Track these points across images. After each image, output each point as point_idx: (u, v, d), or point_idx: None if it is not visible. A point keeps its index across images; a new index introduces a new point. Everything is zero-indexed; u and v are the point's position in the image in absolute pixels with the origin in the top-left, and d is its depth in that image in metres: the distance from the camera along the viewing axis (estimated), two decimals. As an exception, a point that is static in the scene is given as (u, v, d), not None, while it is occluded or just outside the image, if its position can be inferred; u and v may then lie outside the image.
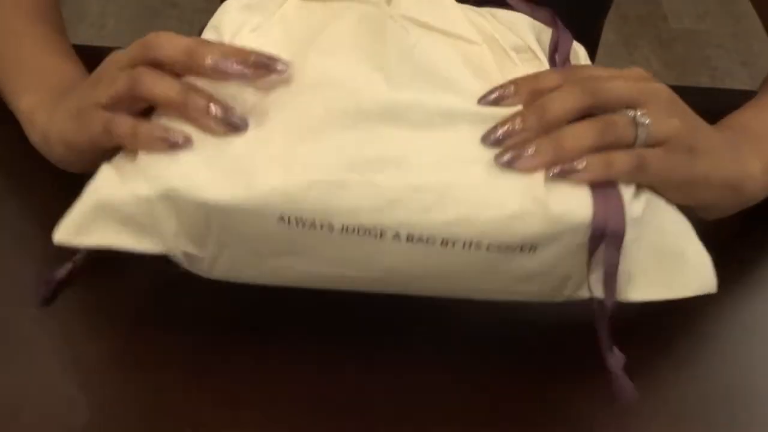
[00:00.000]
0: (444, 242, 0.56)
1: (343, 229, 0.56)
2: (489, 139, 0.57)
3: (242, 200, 0.55)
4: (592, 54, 0.87)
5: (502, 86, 0.59)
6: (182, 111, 0.57)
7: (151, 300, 0.63)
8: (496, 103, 0.58)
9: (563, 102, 0.58)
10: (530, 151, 0.56)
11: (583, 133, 0.58)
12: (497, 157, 0.56)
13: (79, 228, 0.58)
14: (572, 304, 0.60)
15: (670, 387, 0.61)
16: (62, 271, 0.63)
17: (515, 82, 0.59)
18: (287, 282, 0.60)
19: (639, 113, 0.59)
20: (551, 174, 0.56)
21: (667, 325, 0.65)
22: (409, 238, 0.56)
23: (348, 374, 0.60)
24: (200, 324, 0.62)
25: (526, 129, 0.57)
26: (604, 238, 0.56)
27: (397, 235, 0.56)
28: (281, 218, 0.55)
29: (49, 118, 0.66)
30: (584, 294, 0.59)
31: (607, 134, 0.58)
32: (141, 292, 0.63)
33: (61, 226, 0.59)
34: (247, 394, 0.58)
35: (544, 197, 0.56)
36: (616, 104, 0.59)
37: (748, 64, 2.42)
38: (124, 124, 0.59)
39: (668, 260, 0.59)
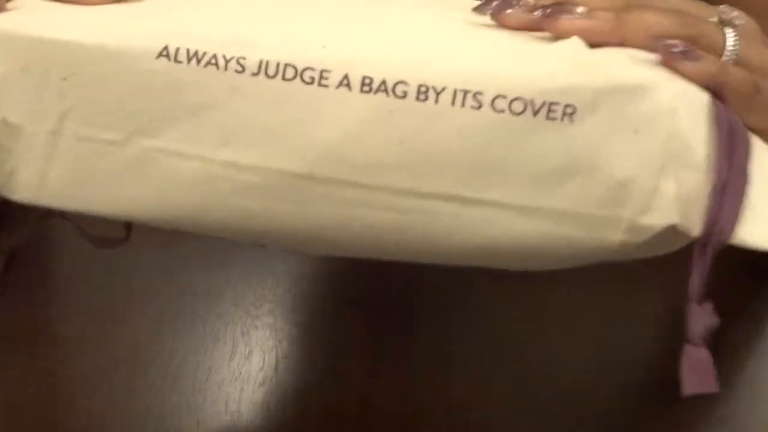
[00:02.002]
0: (422, 92, 0.35)
1: (261, 66, 0.35)
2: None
3: (101, 34, 0.37)
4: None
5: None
6: None
7: (151, 300, 0.63)
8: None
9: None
10: (580, 9, 0.38)
11: (654, 17, 0.39)
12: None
13: None
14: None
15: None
16: None
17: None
18: (161, 212, 0.38)
19: (726, 19, 0.41)
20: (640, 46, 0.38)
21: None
22: (366, 85, 0.35)
23: (353, 380, 0.60)
24: (201, 325, 0.62)
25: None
26: (722, 123, 0.37)
27: (345, 80, 0.35)
28: (164, 51, 0.36)
29: None
30: (652, 222, 0.37)
31: (689, 28, 0.40)
32: (140, 292, 0.63)
33: None
34: (249, 395, 0.58)
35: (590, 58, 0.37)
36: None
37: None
38: None
39: None
